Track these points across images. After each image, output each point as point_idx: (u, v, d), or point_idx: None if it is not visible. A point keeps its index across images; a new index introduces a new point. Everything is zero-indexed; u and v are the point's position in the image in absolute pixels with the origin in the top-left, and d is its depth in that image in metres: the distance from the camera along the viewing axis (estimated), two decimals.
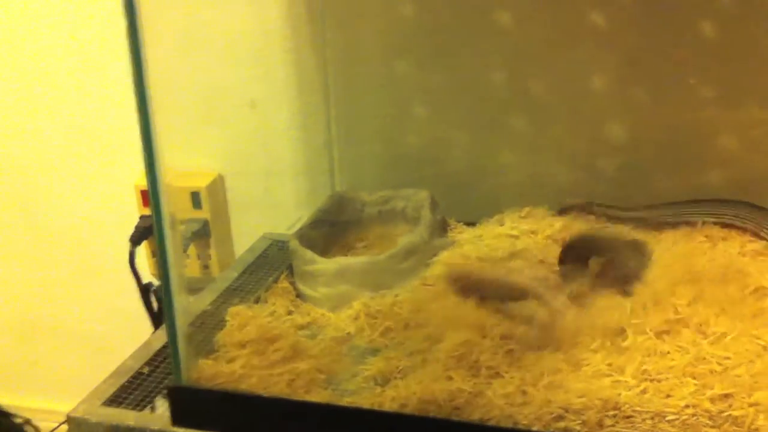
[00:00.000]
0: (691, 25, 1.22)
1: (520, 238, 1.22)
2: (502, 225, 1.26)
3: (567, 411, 0.84)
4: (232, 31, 1.40)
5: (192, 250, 1.53)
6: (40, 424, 1.56)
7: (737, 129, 1.26)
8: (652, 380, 0.87)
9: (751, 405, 0.81)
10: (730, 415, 0.81)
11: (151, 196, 0.90)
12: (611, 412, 0.84)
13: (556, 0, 1.27)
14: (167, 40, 1.41)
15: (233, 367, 0.99)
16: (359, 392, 0.94)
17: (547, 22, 1.28)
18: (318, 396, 0.94)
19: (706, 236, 1.18)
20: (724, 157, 1.27)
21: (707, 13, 1.21)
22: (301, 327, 1.11)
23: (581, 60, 1.28)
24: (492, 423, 0.86)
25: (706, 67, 1.24)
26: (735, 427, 0.81)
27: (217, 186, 1.51)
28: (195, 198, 1.48)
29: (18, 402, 1.78)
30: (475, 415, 0.87)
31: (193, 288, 1.39)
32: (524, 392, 0.88)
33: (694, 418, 0.82)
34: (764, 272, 1.03)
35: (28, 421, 1.55)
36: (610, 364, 0.90)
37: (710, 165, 1.28)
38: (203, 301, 1.22)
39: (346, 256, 1.27)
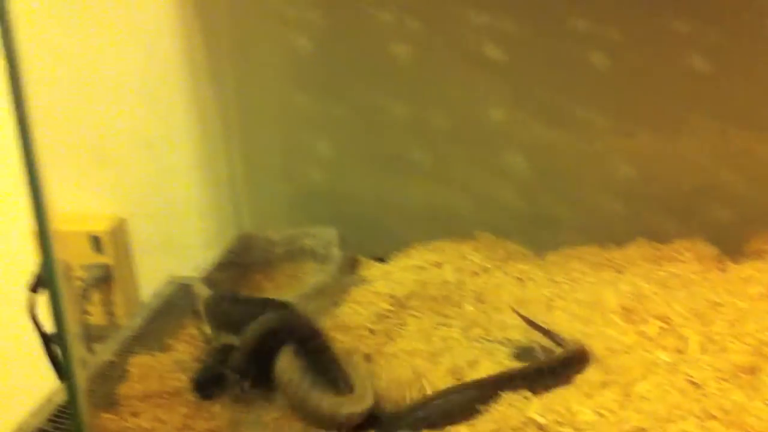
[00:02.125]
0: (583, 55, 1.25)
1: (426, 269, 1.21)
2: (410, 258, 1.25)
3: None
4: (126, 72, 1.36)
5: (96, 296, 1.48)
6: None
7: (632, 157, 1.29)
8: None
9: None
10: None
11: (40, 243, 0.85)
12: None
13: (451, 33, 1.28)
14: (56, 85, 1.37)
15: (139, 421, 0.95)
16: None
17: (444, 54, 1.29)
18: None
19: None
20: (621, 186, 1.30)
21: (597, 43, 1.24)
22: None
23: (479, 92, 1.30)
24: None
25: (600, 96, 1.27)
26: None
27: (120, 229, 1.46)
28: (95, 242, 1.43)
29: None
30: None
31: (98, 336, 1.34)
32: None
33: None
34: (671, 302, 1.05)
35: None
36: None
37: (608, 193, 1.31)
38: (107, 351, 1.17)
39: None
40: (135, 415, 0.97)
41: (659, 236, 1.25)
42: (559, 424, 0.84)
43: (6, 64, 0.77)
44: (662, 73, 1.24)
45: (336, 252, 1.24)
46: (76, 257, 1.43)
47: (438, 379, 0.96)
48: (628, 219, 1.31)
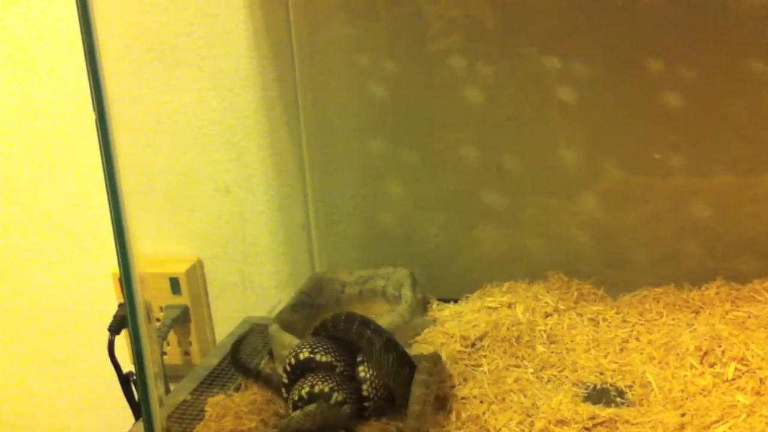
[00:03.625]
0: (654, 96, 1.24)
1: (498, 310, 1.21)
2: (482, 300, 1.25)
3: None
4: (204, 118, 1.41)
5: (172, 336, 1.51)
6: None
7: (708, 197, 1.27)
8: None
9: None
10: None
11: (124, 284, 0.88)
12: None
13: (523, 77, 1.29)
14: (138, 130, 1.42)
15: None
16: None
17: (514, 98, 1.30)
18: None
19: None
20: (699, 226, 1.28)
21: (672, 83, 1.23)
22: (283, 416, 1.09)
23: (550, 134, 1.30)
24: None
25: (676, 136, 1.26)
26: None
27: (196, 271, 1.50)
28: (174, 284, 1.47)
29: None
30: None
31: (175, 376, 1.37)
32: None
33: None
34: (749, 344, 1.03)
35: None
36: None
37: (684, 233, 1.29)
38: (183, 390, 1.20)
39: None
40: None
41: (739, 277, 1.22)
42: None
43: (96, 116, 0.81)
44: (739, 112, 1.22)
45: (408, 293, 1.24)
46: (155, 298, 1.47)
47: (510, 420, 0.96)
48: (706, 259, 1.29)
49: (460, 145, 1.34)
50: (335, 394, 0.97)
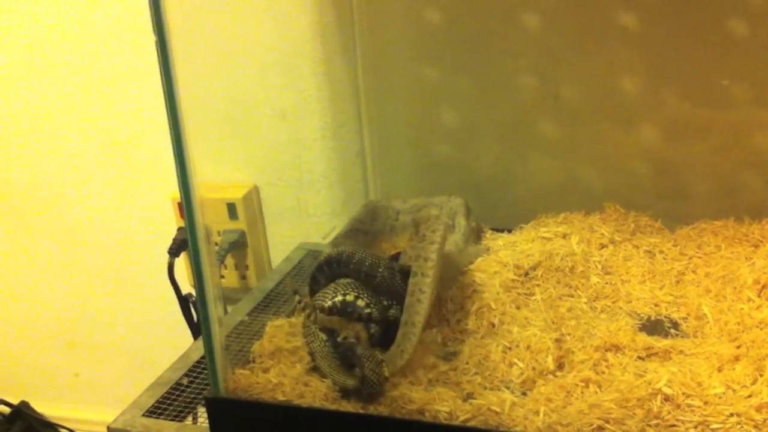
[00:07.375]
0: (720, 23, 1.20)
1: (552, 240, 1.20)
2: (536, 230, 1.24)
3: (607, 422, 0.83)
4: (261, 44, 1.40)
5: (230, 260, 1.54)
6: None
7: None
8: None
9: None
10: None
11: (185, 208, 0.90)
12: (653, 422, 0.82)
13: (581, 3, 1.25)
14: (197, 56, 1.43)
15: (268, 376, 0.99)
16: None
17: (574, 24, 1.27)
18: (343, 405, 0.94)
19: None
20: (760, 159, 1.25)
21: (735, 11, 1.18)
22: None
23: (610, 62, 1.27)
24: None
25: (738, 66, 1.22)
26: None
27: (253, 197, 1.52)
28: (231, 209, 1.49)
29: (61, 413, 1.81)
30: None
31: (232, 298, 1.40)
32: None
33: (739, 426, 0.80)
34: None
35: None
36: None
37: (746, 166, 1.26)
38: (241, 311, 1.23)
39: None
40: (265, 371, 1.01)
41: None
42: (687, 396, 0.83)
43: (157, 41, 0.82)
44: None
45: (462, 221, 1.24)
46: (213, 223, 1.50)
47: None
48: (766, 191, 1.26)
49: (518, 73, 1.32)
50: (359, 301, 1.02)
